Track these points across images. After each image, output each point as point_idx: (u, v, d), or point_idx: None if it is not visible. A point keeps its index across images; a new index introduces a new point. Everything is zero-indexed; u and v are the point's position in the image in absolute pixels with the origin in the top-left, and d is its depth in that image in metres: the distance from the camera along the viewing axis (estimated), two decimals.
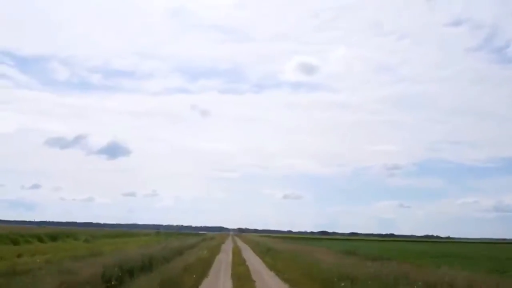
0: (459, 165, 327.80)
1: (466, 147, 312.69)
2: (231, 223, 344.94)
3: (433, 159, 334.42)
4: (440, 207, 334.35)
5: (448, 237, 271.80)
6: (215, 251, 46.35)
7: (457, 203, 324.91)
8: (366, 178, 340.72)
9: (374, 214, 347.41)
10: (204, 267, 28.49)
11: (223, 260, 36.08)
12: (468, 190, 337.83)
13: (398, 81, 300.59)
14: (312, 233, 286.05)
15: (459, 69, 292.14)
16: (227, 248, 56.25)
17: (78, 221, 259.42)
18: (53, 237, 58.61)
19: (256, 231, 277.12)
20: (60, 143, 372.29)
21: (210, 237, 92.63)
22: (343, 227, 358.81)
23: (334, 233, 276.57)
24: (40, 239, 54.32)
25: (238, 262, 34.52)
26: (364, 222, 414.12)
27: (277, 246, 51.16)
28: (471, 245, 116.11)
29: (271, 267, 30.69)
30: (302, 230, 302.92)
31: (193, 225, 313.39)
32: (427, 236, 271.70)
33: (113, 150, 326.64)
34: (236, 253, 46.89)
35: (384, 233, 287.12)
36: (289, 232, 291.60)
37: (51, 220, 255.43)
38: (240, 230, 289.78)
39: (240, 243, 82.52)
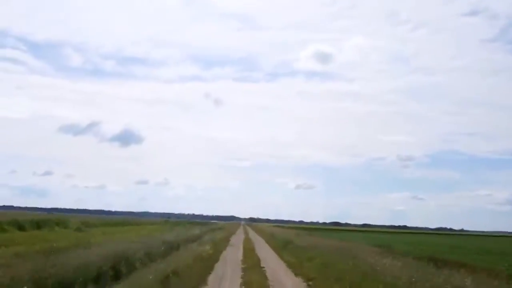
0: (473, 157, 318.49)
1: (480, 139, 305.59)
2: (243, 213, 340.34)
3: (447, 150, 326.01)
4: (453, 199, 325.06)
5: (462, 230, 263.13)
6: (221, 246, 36.68)
7: (470, 195, 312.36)
8: (379, 169, 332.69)
9: (387, 205, 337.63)
10: (200, 272, 19.11)
11: (231, 260, 26.46)
12: (481, 182, 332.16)
13: (412, 71, 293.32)
14: (324, 223, 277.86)
15: (474, 60, 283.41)
16: (237, 241, 47.08)
17: (90, 208, 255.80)
18: (39, 225, 49.79)
19: (267, 221, 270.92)
20: (73, 130, 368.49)
21: (219, 227, 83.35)
22: (355, 218, 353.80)
23: (346, 224, 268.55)
24: (21, 227, 45.56)
25: (251, 262, 25.03)
26: (376, 213, 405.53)
27: (295, 239, 41.95)
28: (499, 238, 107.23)
29: (298, 271, 21.59)
30: (314, 220, 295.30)
31: (204, 214, 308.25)
32: (440, 229, 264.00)
33: (126, 138, 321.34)
34: (248, 248, 37.48)
35: (396, 224, 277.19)
36: (301, 222, 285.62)
37: (63, 207, 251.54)
38: (252, 220, 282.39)
39: (252, 234, 73.32)
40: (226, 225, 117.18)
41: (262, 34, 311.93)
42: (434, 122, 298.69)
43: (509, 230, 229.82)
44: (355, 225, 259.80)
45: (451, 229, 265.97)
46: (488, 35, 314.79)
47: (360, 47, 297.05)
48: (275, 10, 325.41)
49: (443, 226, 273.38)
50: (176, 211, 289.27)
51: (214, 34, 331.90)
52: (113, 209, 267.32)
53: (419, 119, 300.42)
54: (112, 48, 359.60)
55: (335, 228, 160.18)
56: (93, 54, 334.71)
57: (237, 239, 51.82)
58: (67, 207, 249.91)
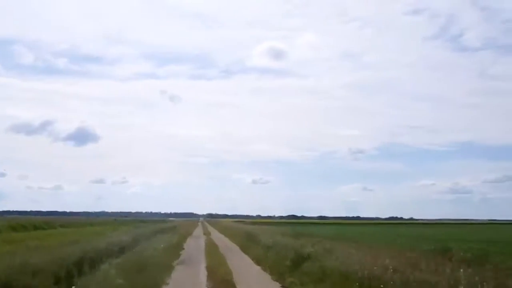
0: (418, 149, 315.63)
1: (425, 132, 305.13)
2: (201, 209, 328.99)
3: (394, 143, 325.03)
4: (401, 190, 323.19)
5: (411, 219, 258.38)
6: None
7: (416, 185, 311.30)
8: (332, 162, 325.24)
9: (340, 197, 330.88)
10: None
11: None
12: (426, 173, 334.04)
13: (361, 68, 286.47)
14: (281, 217, 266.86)
15: (418, 57, 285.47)
16: (193, 251, 29.71)
17: (44, 210, 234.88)
18: None
19: (225, 216, 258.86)
20: (26, 129, 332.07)
21: (173, 226, 68.99)
22: (311, 211, 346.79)
23: (302, 217, 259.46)
24: None
25: None
26: (331, 205, 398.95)
27: (274, 240, 26.99)
28: (459, 226, 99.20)
29: None
30: (271, 214, 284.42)
31: (163, 211, 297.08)
32: (392, 218, 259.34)
33: (81, 137, 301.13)
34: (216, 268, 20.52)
35: (350, 215, 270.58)
36: (259, 216, 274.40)
37: (17, 209, 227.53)
38: (210, 216, 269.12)
39: (215, 234, 59.69)
40: (182, 223, 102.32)
41: (216, 32, 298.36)
42: (382, 116, 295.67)
43: (452, 217, 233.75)
44: (311, 218, 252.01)
45: (401, 218, 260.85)
46: (429, 32, 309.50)
47: (312, 44, 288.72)
48: (230, 8, 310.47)
49: (394, 215, 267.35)
50: (134, 210, 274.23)
51: (169, 31, 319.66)
52: (68, 210, 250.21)
53: (368, 114, 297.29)
54: (66, 46, 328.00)
55: (294, 222, 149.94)
56: (45, 51, 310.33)
57: (195, 245, 34.77)
58: (22, 209, 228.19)
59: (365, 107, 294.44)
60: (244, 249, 29.77)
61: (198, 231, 66.43)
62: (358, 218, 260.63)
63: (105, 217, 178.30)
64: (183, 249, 30.58)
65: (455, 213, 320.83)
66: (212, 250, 29.79)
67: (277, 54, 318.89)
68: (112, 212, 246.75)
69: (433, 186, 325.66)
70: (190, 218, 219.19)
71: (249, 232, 39.76)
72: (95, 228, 62.53)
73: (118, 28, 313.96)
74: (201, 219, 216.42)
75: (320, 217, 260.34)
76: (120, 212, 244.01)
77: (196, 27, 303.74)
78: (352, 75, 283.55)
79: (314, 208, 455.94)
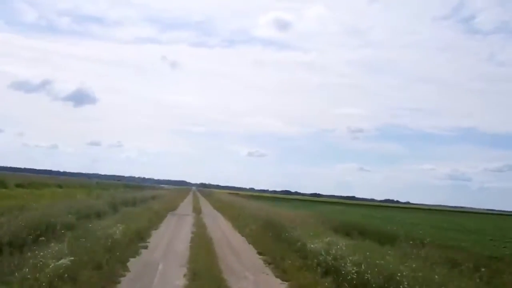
0: (418, 132, 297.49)
1: (427, 115, 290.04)
2: (194, 178, 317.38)
3: (395, 124, 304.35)
4: (399, 172, 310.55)
5: (408, 203, 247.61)
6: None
7: (415, 169, 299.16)
8: (330, 141, 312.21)
9: (336, 176, 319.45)
10: None
11: None
12: (426, 157, 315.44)
13: (366, 45, 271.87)
14: (274, 191, 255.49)
15: (426, 37, 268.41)
16: (163, 254, 15.03)
17: (39, 168, 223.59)
18: None
19: (218, 187, 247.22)
20: (25, 87, 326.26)
21: (155, 196, 55.42)
22: (305, 188, 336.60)
23: (296, 193, 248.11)
24: None
25: None
26: (325, 183, 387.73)
27: (329, 243, 13.71)
28: (453, 213, 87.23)
29: None
30: (264, 188, 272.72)
31: (155, 178, 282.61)
32: (387, 201, 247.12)
33: (79, 98, 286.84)
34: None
35: (345, 195, 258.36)
36: (252, 189, 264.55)
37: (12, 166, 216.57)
38: (203, 185, 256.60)
39: (209, 211, 45.75)
40: (171, 192, 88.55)
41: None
42: (384, 96, 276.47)
43: (450, 204, 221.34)
44: (304, 194, 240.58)
45: (398, 202, 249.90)
46: (441, 12, 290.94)
47: (319, 17, 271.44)
48: None
49: (389, 198, 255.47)
50: (127, 174, 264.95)
51: None
52: (62, 170, 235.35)
53: (370, 93, 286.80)
54: (69, 4, 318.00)
55: (288, 198, 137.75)
56: (48, 10, 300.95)
57: (170, 243, 18.03)
58: (17, 166, 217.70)
59: (367, 86, 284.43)
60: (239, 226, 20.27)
61: (186, 205, 52.51)
62: (353, 198, 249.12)
63: (98, 179, 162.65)
64: (146, 247, 15.93)
65: (452, 200, 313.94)
66: (202, 257, 14.33)
67: (282, 26, 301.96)
68: (105, 175, 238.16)
69: (432, 171, 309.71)
70: (182, 186, 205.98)
71: (234, 203, 27.03)
72: (65, 190, 49.62)
73: None
74: (193, 188, 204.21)
75: (314, 194, 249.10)
76: (113, 176, 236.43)
77: None
78: (357, 52, 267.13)
79: (308, 185, 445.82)
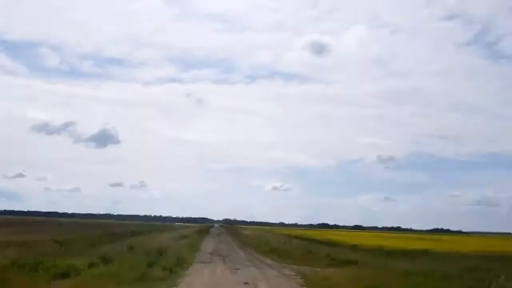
0: (443, 159, 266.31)
1: (453, 142, 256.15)
2: (217, 214, 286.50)
3: (420, 153, 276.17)
4: (425, 201, 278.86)
5: (460, 231, 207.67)
6: None
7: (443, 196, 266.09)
8: (354, 171, 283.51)
9: (363, 206, 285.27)
10: None
11: None
12: (453, 184, 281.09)
13: (390, 75, 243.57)
14: (311, 225, 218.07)
15: (450, 64, 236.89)
16: None
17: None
18: None
19: (244, 223, 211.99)
20: (47, 130, 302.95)
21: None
22: (341, 220, 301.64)
23: (336, 226, 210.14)
24: None
25: None
26: (350, 214, 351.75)
27: None
28: None
29: None
30: (293, 222, 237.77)
31: (181, 216, 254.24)
32: (437, 230, 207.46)
33: (103, 140, 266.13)
34: None
35: (388, 226, 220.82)
36: (282, 224, 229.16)
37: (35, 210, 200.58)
38: (227, 222, 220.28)
39: None
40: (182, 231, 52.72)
41: (242, 35, 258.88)
42: (409, 125, 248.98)
43: (478, 230, 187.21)
44: (345, 227, 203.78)
45: (448, 230, 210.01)
46: (464, 39, 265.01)
47: (340, 49, 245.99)
48: (256, 11, 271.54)
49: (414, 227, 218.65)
50: (151, 213, 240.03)
51: (195, 34, 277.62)
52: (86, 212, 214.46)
53: (394, 122, 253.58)
54: (90, 48, 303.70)
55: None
56: (70, 54, 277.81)
57: None
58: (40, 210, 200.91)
59: (391, 115, 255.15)
60: None
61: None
62: (399, 228, 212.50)
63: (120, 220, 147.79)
64: None
65: (481, 225, 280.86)
66: None
67: (305, 60, 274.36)
68: (128, 215, 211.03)
69: (460, 197, 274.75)
70: (203, 223, 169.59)
71: None
72: None
73: (143, 31, 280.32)
74: (216, 225, 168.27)
75: (356, 227, 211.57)
76: (133, 216, 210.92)
77: (223, 30, 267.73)
78: (381, 82, 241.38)
79: (340, 217, 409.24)
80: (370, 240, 46.57)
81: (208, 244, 39.32)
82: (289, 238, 45.53)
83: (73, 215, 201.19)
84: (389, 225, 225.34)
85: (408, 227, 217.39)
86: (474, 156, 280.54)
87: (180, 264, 20.44)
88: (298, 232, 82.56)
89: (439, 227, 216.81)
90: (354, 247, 39.65)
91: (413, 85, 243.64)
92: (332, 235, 55.66)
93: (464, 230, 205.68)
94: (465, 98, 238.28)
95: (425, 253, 33.75)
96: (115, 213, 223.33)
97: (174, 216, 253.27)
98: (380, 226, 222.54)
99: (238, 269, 20.78)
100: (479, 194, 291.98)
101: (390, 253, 33.78)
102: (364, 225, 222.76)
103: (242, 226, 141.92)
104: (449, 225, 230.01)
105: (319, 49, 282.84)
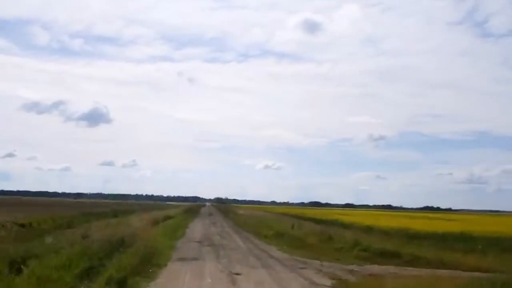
0: (434, 138, 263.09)
1: (443, 121, 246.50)
2: (209, 193, 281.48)
3: (412, 131, 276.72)
4: (416, 179, 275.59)
5: (450, 209, 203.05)
6: None
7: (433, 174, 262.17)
8: (347, 149, 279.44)
9: (353, 184, 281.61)
10: None
11: None
12: (443, 162, 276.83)
13: (381, 53, 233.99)
14: (302, 204, 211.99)
15: (440, 43, 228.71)
16: None
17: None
18: None
19: (235, 201, 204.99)
20: (37, 109, 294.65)
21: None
22: (332, 198, 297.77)
23: (327, 204, 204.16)
24: None
25: None
26: (344, 192, 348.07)
27: None
28: None
29: None
30: (286, 200, 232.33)
31: (172, 195, 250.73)
32: (427, 208, 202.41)
33: (94, 118, 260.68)
34: None
35: (380, 204, 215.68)
36: (273, 203, 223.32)
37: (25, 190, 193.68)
38: (218, 201, 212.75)
39: None
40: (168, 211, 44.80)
41: (235, 14, 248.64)
42: (400, 104, 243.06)
43: (468, 208, 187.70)
44: (337, 205, 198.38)
45: (438, 208, 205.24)
46: (454, 18, 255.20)
47: (332, 29, 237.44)
48: None
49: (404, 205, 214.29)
50: (144, 193, 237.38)
51: (188, 12, 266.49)
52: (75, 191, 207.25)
53: (386, 101, 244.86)
54: (81, 27, 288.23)
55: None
56: (60, 32, 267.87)
57: None
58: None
59: (382, 94, 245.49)
60: None
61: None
62: (389, 207, 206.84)
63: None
64: None
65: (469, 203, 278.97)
66: None
67: (298, 39, 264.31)
68: (121, 194, 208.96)
69: (450, 175, 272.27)
70: (194, 202, 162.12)
71: None
72: None
73: (134, 9, 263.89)
74: (207, 204, 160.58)
75: (347, 205, 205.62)
76: (130, 195, 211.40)
77: (216, 8, 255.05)
78: (372, 61, 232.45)
79: (331, 195, 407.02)
80: (383, 221, 38.87)
81: (197, 228, 31.44)
82: (296, 219, 37.89)
83: (63, 194, 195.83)
84: (380, 203, 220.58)
85: (399, 205, 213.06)
86: (465, 135, 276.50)
87: (146, 265, 12.51)
88: (298, 211, 75.04)
89: (429, 205, 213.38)
90: (369, 229, 32.03)
91: (404, 63, 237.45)
92: (339, 215, 47.98)
93: (454, 208, 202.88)
94: (456, 77, 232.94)
95: (463, 236, 26.00)
96: (106, 193, 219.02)
97: (165, 195, 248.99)
98: (371, 204, 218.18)
99: (239, 274, 12.81)
100: (469, 172, 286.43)
101: (415, 237, 26.17)
102: (356, 203, 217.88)
103: (234, 205, 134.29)
104: (439, 203, 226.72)
105: (311, 28, 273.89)
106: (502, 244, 21.10)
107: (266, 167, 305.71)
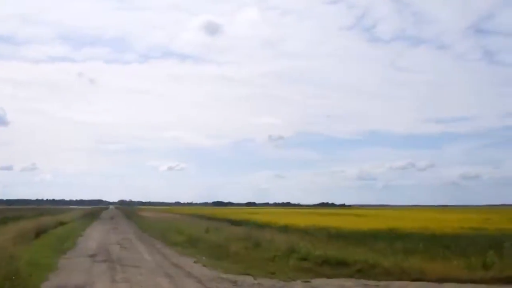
0: (330, 138, 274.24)
1: (337, 121, 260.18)
2: (112, 196, 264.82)
3: (309, 131, 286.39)
4: (312, 177, 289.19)
5: (344, 205, 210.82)
6: None
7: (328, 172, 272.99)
8: (248, 150, 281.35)
9: (256, 183, 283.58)
10: None
11: None
12: (337, 160, 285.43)
13: (280, 56, 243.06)
14: (206, 203, 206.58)
15: (334, 47, 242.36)
16: None
17: None
18: None
19: (141, 203, 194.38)
20: None
21: None
22: (234, 197, 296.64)
23: (230, 203, 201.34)
24: None
25: None
26: (246, 191, 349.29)
27: None
28: None
29: None
30: (190, 201, 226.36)
31: (74, 199, 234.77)
32: (324, 204, 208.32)
33: None
34: None
35: (280, 202, 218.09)
36: (178, 203, 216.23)
37: None
38: (122, 203, 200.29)
39: None
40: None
41: (137, 14, 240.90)
42: (298, 105, 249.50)
43: (360, 203, 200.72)
44: (239, 204, 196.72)
45: (333, 204, 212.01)
46: (346, 22, 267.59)
47: (232, 31, 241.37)
48: None
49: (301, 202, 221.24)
50: (43, 197, 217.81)
51: (88, 12, 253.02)
52: None
53: (285, 102, 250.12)
54: None
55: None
56: None
57: None
58: None
59: (282, 96, 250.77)
60: None
61: None
62: (289, 204, 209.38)
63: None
64: None
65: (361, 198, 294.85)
66: None
67: (199, 41, 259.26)
68: (19, 200, 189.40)
69: (342, 172, 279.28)
70: (95, 206, 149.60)
71: None
72: None
73: (32, 8, 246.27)
74: (111, 207, 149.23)
75: (249, 204, 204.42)
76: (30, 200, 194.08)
77: (117, 9, 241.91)
78: (272, 63, 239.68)
79: (233, 194, 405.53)
80: (299, 219, 35.50)
81: (93, 235, 25.44)
82: (208, 221, 33.06)
83: None
84: (279, 201, 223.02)
85: (297, 202, 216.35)
86: (357, 134, 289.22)
87: None
88: (206, 211, 69.69)
89: (325, 201, 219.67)
90: (285, 229, 28.19)
91: (302, 66, 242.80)
92: (253, 214, 44.02)
93: (347, 204, 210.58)
94: (349, 79, 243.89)
95: (391, 234, 22.94)
96: (4, 198, 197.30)
97: (67, 199, 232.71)
98: (271, 202, 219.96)
99: None
100: (359, 169, 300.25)
101: (339, 236, 22.66)
102: (257, 201, 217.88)
103: (139, 207, 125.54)
104: (333, 199, 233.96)
105: (213, 30, 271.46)
106: (442, 241, 18.23)
107: (170, 168, 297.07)
